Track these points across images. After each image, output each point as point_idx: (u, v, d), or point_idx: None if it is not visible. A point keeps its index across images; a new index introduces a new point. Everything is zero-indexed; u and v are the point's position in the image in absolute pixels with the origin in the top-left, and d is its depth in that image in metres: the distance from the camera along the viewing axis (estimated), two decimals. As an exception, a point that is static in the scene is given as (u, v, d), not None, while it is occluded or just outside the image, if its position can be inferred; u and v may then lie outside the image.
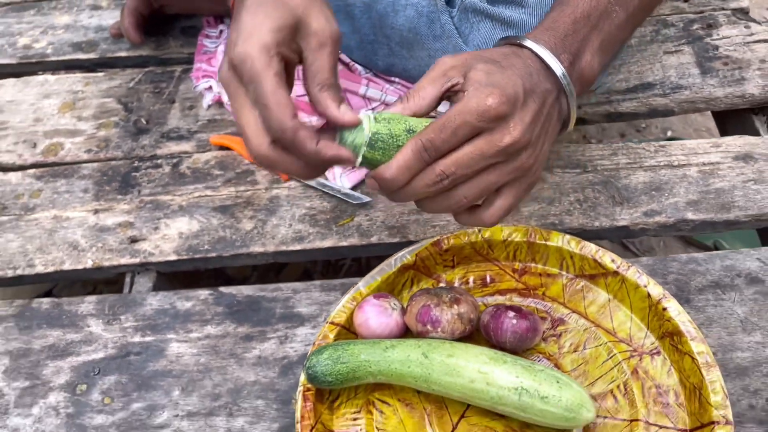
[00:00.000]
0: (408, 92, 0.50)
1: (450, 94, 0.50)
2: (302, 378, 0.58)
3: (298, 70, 0.51)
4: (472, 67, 0.48)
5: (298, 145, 0.46)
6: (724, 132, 0.81)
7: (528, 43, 0.51)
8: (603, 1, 0.53)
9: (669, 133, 1.36)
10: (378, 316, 0.60)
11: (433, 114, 0.51)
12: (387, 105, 0.76)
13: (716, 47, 0.80)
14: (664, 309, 0.58)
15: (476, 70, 0.48)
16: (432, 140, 0.47)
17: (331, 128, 0.49)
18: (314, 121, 0.68)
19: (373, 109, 0.77)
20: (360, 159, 0.49)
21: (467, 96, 0.47)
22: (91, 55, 0.97)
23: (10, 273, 0.74)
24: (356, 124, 0.48)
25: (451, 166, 0.47)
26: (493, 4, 0.67)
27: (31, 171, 0.84)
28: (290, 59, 0.49)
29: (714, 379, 0.53)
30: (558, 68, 0.50)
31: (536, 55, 0.51)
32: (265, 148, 0.47)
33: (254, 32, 0.46)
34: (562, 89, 0.52)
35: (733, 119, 0.79)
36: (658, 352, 0.58)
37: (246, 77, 0.46)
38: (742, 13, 0.83)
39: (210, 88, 0.87)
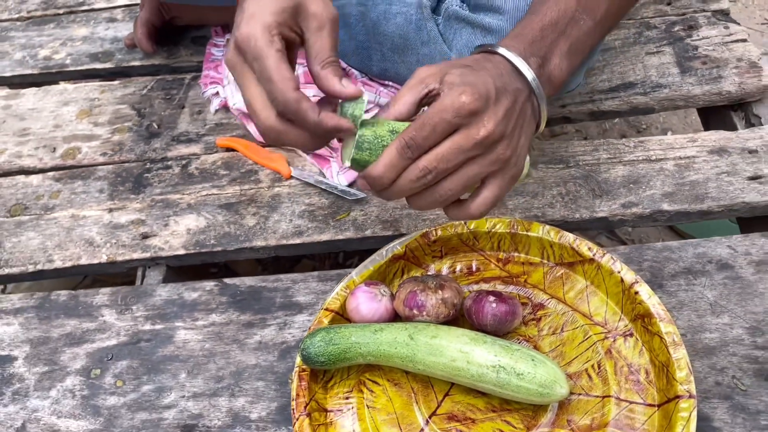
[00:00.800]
0: (389, 101, 0.54)
1: (429, 100, 0.53)
2: (298, 360, 0.62)
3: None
4: (447, 72, 0.52)
5: (301, 115, 0.50)
6: (707, 128, 0.84)
7: (499, 49, 0.55)
8: (570, 9, 0.57)
9: (669, 134, 1.39)
10: (368, 301, 0.64)
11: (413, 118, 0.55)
12: (380, 106, 0.81)
13: (696, 47, 0.84)
14: (636, 293, 0.61)
15: (450, 74, 0.52)
16: (413, 137, 0.50)
17: (330, 101, 0.53)
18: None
19: (367, 111, 0.82)
20: (358, 130, 0.52)
21: (442, 95, 0.50)
22: (107, 65, 1.03)
23: (30, 268, 0.80)
24: (358, 96, 0.52)
25: (433, 161, 0.51)
26: (474, 11, 0.71)
27: (51, 173, 0.90)
28: (292, 39, 0.52)
29: (680, 356, 0.57)
30: (526, 70, 0.54)
31: (506, 59, 0.55)
32: (272, 121, 0.51)
33: (256, 14, 0.50)
34: (533, 90, 0.56)
35: (714, 115, 0.83)
36: (631, 334, 0.62)
37: (250, 55, 0.49)
38: (722, 14, 0.86)
39: (217, 93, 0.92)
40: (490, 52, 0.56)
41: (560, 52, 0.57)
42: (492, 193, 0.54)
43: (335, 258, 1.14)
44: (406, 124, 0.53)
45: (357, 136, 0.52)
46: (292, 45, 0.53)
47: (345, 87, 0.51)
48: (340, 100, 0.53)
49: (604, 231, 1.06)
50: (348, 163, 0.54)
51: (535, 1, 0.59)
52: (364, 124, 0.53)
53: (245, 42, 0.49)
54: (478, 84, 0.50)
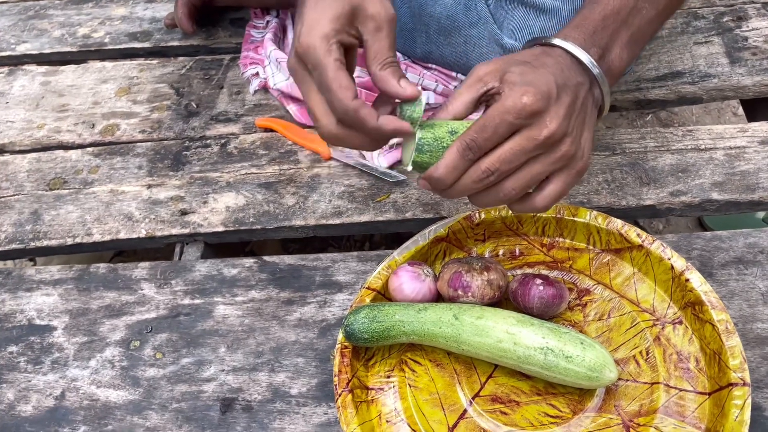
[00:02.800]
0: (447, 99, 0.54)
1: (488, 98, 0.53)
2: (340, 336, 0.62)
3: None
4: (507, 70, 0.52)
5: (360, 122, 0.50)
6: (752, 120, 0.83)
7: (557, 41, 0.54)
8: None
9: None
10: (412, 281, 0.63)
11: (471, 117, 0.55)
12: (424, 89, 0.80)
13: (745, 38, 0.82)
14: (687, 280, 0.60)
15: (510, 73, 0.51)
16: (475, 140, 0.50)
17: (387, 101, 0.53)
18: None
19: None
20: (417, 133, 0.53)
21: (503, 96, 0.50)
22: (146, 44, 1.03)
23: (69, 241, 0.80)
24: (416, 97, 0.52)
25: (495, 162, 0.51)
26: (527, -10, 0.71)
27: (90, 149, 0.90)
28: (351, 44, 0.53)
29: (733, 344, 0.56)
30: (587, 59, 0.53)
31: (566, 51, 0.54)
32: (333, 127, 0.52)
33: (315, 24, 0.50)
34: (595, 79, 0.55)
35: (761, 107, 0.81)
36: (680, 322, 0.61)
37: (311, 65, 0.51)
38: (773, 6, 0.85)
39: (257, 74, 0.92)
40: (549, 45, 0.55)
41: (621, 42, 0.56)
42: (558, 188, 0.54)
43: (360, 248, 1.14)
44: (466, 123, 0.53)
45: (417, 138, 0.53)
46: (352, 48, 0.54)
47: (404, 88, 0.52)
48: (398, 101, 0.53)
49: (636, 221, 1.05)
50: (410, 167, 0.54)
51: None
52: (423, 126, 0.53)
53: (305, 52, 0.50)
54: (540, 83, 0.50)
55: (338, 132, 0.52)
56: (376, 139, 0.53)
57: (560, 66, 0.53)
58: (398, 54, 0.83)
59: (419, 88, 0.54)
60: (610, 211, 0.71)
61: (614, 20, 0.56)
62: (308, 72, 0.51)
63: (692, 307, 0.60)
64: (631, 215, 0.71)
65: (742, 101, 0.85)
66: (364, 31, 0.52)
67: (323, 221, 0.77)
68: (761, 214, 1.09)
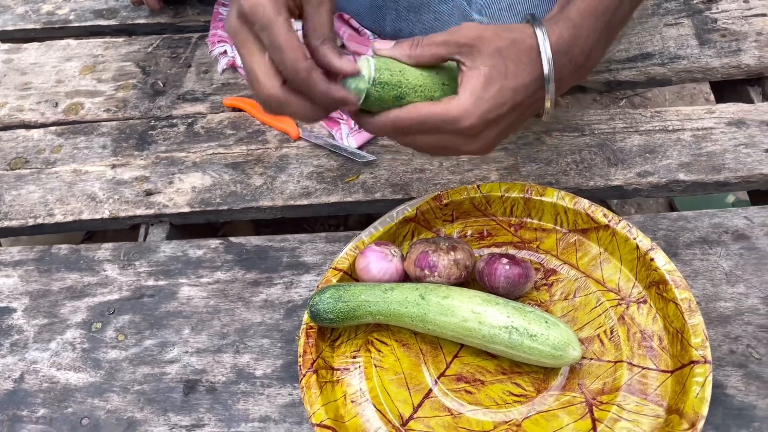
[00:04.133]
0: (418, 39, 0.53)
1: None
2: (305, 317, 0.61)
3: None
4: (482, 59, 0.51)
5: (311, 84, 0.49)
6: (720, 102, 0.83)
7: (540, 35, 0.52)
8: None
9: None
10: (379, 261, 0.63)
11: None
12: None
13: (715, 20, 0.82)
14: (652, 260, 0.60)
15: (480, 71, 0.51)
16: (410, 127, 0.53)
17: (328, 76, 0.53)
18: None
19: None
20: (362, 101, 0.53)
21: (455, 103, 0.51)
22: (112, 22, 1.01)
23: (30, 222, 0.78)
24: (357, 73, 0.52)
25: (417, 145, 0.56)
26: (496, -34, 0.70)
27: (53, 128, 0.88)
28: (292, 12, 0.51)
29: (696, 323, 0.56)
30: (547, 72, 0.52)
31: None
32: (276, 90, 0.50)
33: None
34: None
35: (729, 90, 0.82)
36: (645, 301, 0.61)
37: (258, 24, 0.49)
38: (742, -11, 0.85)
39: (225, 52, 0.90)
40: (534, 31, 0.53)
41: (601, 45, 0.55)
42: (428, 145, 0.55)
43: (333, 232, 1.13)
44: (415, 87, 0.54)
45: (372, 78, 0.52)
46: (292, 15, 0.52)
47: (345, 63, 0.51)
48: (340, 76, 0.53)
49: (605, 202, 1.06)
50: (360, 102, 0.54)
51: None
52: (378, 68, 0.53)
53: (252, 10, 0.48)
54: (492, 108, 0.52)
55: (281, 96, 0.50)
56: (320, 107, 0.52)
57: (533, 77, 0.52)
58: (368, 32, 0.82)
59: (368, 57, 0.53)
60: (578, 191, 0.71)
61: (601, 18, 0.54)
62: (252, 33, 0.49)
63: (656, 286, 0.60)
64: (598, 196, 0.71)
65: (711, 83, 0.85)
66: (306, 3, 0.51)
67: (291, 202, 0.75)
68: (731, 198, 1.10)
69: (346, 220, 1.20)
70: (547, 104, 0.53)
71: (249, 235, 0.74)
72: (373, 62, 0.53)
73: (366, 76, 0.52)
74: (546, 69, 0.52)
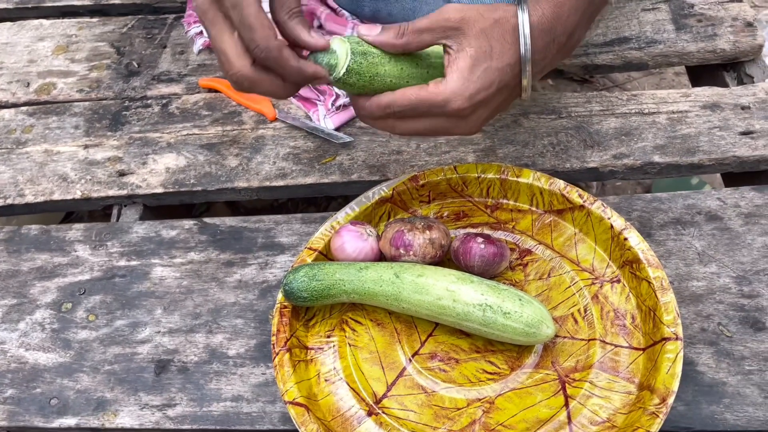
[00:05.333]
0: (404, 27, 0.53)
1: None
2: (279, 296, 0.60)
3: None
4: (467, 41, 0.51)
5: (282, 62, 0.49)
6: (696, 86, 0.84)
7: (521, 18, 0.52)
8: None
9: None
10: (354, 240, 0.62)
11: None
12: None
13: (691, 5, 0.83)
14: (626, 239, 0.61)
15: (466, 53, 0.51)
16: (401, 112, 0.53)
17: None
18: None
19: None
20: (333, 77, 0.52)
21: (443, 86, 0.52)
22: (86, 2, 0.99)
23: (0, 202, 0.77)
24: (327, 48, 0.52)
25: (406, 130, 0.55)
26: (473, -55, 0.69)
27: (24, 108, 0.86)
28: None
29: (668, 300, 0.56)
30: (525, 58, 0.52)
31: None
32: (247, 69, 0.50)
33: None
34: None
35: (705, 75, 0.82)
36: (618, 280, 0.61)
37: (228, 3, 0.48)
38: (719, -25, 0.86)
39: (201, 33, 0.89)
40: (515, 12, 0.53)
41: (583, 24, 0.55)
42: (420, 128, 0.55)
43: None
44: (393, 72, 0.54)
45: (348, 58, 0.52)
46: None
47: (315, 39, 0.51)
48: (307, 52, 0.53)
49: (583, 184, 1.06)
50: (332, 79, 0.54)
51: None
52: (354, 52, 0.52)
53: None
54: (480, 89, 0.52)
55: (252, 74, 0.50)
56: (292, 83, 0.52)
57: (513, 51, 0.52)
58: (346, 12, 0.81)
59: (328, 38, 0.53)
60: (555, 173, 0.71)
61: (583, 1, 0.54)
62: (222, 11, 0.49)
63: (630, 265, 0.60)
64: (575, 178, 0.71)
65: (687, 68, 0.86)
66: None
67: (267, 183, 0.75)
68: (708, 188, 1.11)
69: (327, 206, 1.19)
70: (524, 82, 0.53)
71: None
72: (349, 48, 0.52)
73: (335, 50, 0.52)
74: (522, 49, 0.51)
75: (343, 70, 0.52)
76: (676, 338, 0.54)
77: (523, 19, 0.52)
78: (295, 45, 0.52)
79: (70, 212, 1.12)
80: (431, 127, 0.54)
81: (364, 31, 0.53)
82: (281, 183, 0.75)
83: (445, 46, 0.52)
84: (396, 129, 0.55)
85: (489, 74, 0.51)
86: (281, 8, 0.51)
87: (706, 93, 0.75)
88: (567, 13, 0.53)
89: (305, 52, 0.53)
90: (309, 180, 0.75)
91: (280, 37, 0.50)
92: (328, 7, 0.82)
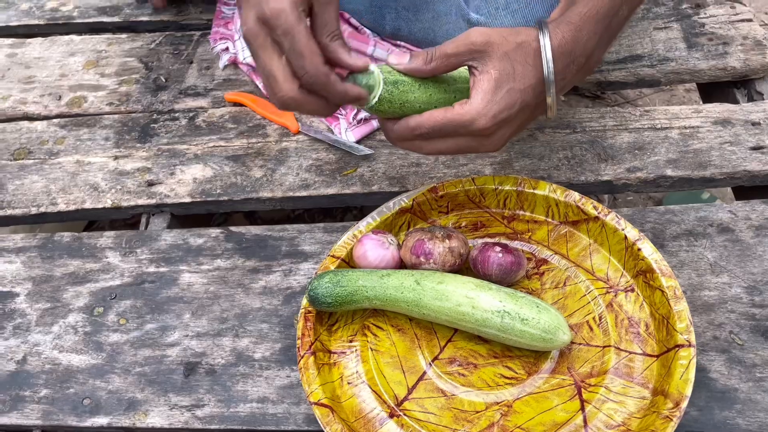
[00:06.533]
0: (431, 53, 0.56)
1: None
2: (304, 301, 0.63)
3: None
4: (492, 63, 0.54)
5: (329, 87, 0.53)
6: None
7: (543, 40, 0.54)
8: (617, 1, 0.57)
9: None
10: (376, 248, 0.65)
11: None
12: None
13: (702, 24, 0.85)
14: (639, 249, 0.63)
15: (490, 74, 0.54)
16: (428, 133, 0.56)
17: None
18: None
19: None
20: (366, 105, 0.56)
21: (468, 106, 0.54)
22: (115, 19, 1.03)
23: (33, 210, 0.80)
24: (366, 69, 0.56)
25: (436, 149, 0.58)
26: (493, -33, 0.72)
27: (56, 120, 0.89)
28: (306, 14, 0.54)
29: (681, 309, 0.58)
30: (549, 80, 0.55)
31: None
32: (294, 92, 0.53)
33: None
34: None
35: (716, 92, 0.84)
36: (632, 289, 0.63)
37: (280, 30, 0.51)
38: (729, -5, 0.88)
39: (226, 49, 0.92)
40: (538, 34, 0.55)
41: (601, 46, 0.58)
42: (447, 148, 0.58)
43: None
44: (422, 98, 0.57)
45: (381, 86, 0.55)
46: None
47: (355, 60, 0.55)
48: (348, 72, 0.56)
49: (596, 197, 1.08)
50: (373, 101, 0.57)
51: None
52: (387, 82, 0.56)
53: (275, 17, 0.51)
54: (503, 109, 0.55)
55: (299, 97, 0.54)
56: (335, 104, 0.56)
57: (535, 74, 0.55)
58: (368, 30, 0.84)
59: (367, 59, 0.56)
60: (570, 186, 0.73)
61: (602, 23, 0.57)
62: (271, 37, 0.52)
63: (644, 274, 0.62)
64: (589, 190, 0.73)
65: (698, 85, 0.88)
66: (314, 2, 0.54)
67: (290, 193, 0.77)
68: (706, 195, 1.12)
69: (342, 217, 1.22)
70: (549, 101, 0.56)
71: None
72: (381, 78, 0.56)
73: (373, 71, 0.55)
74: (545, 71, 0.54)
75: (376, 99, 0.56)
76: (689, 345, 0.56)
77: (545, 43, 0.54)
78: (335, 65, 0.55)
79: (91, 221, 1.15)
80: (457, 146, 0.57)
81: (394, 60, 0.57)
82: (304, 193, 0.77)
83: (470, 67, 0.55)
84: (423, 149, 0.58)
85: (512, 95, 0.54)
86: (323, 30, 0.54)
87: (717, 109, 0.77)
88: (586, 36, 0.56)
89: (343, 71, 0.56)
90: (331, 191, 0.77)
91: (326, 64, 0.53)
92: (351, 25, 0.86)
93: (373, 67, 0.56)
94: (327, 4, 0.54)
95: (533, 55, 0.55)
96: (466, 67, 0.56)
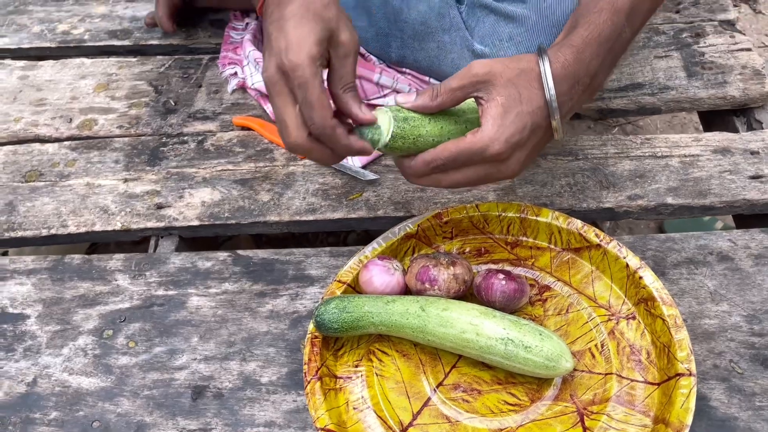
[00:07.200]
0: (437, 89, 0.58)
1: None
2: (311, 326, 0.64)
3: None
4: (497, 91, 0.56)
5: (335, 139, 0.56)
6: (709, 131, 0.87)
7: (544, 72, 0.56)
8: (619, 23, 0.59)
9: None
10: (381, 274, 0.66)
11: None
12: (398, 92, 0.83)
13: (702, 53, 0.87)
14: (641, 278, 0.64)
15: (497, 101, 0.55)
16: (444, 165, 0.57)
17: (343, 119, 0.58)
18: None
19: (385, 95, 0.84)
20: (381, 143, 0.58)
21: (480, 134, 0.56)
22: (125, 42, 1.04)
23: (44, 232, 0.81)
24: (373, 122, 0.58)
25: (454, 181, 0.59)
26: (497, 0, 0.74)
27: (67, 143, 0.91)
28: (323, 66, 0.57)
29: (682, 337, 0.59)
30: (553, 106, 0.56)
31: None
32: (303, 140, 0.56)
33: (302, 44, 0.54)
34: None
35: (716, 120, 0.86)
36: (634, 317, 0.64)
37: (297, 83, 0.54)
38: (728, 24, 0.90)
39: (235, 74, 0.94)
40: (538, 61, 0.57)
41: (605, 67, 0.60)
42: (464, 178, 0.59)
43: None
44: (434, 131, 0.58)
45: (389, 133, 0.57)
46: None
47: (364, 113, 0.57)
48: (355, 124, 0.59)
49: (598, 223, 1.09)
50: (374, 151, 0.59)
51: (587, 7, 0.60)
52: (397, 118, 0.58)
53: (293, 69, 0.54)
54: (515, 132, 0.56)
55: (307, 145, 0.56)
56: (339, 155, 0.58)
57: (541, 95, 0.56)
58: (374, 57, 0.86)
59: (386, 108, 0.59)
60: (572, 212, 0.74)
61: (604, 46, 0.59)
62: (288, 87, 0.55)
63: (645, 303, 0.63)
64: (591, 217, 0.75)
65: (699, 113, 0.90)
66: (333, 54, 0.56)
67: (297, 217, 0.79)
68: (719, 224, 1.13)
69: (345, 237, 1.23)
70: (554, 124, 0.57)
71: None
72: (392, 114, 0.57)
73: (383, 128, 0.58)
74: (547, 95, 0.56)
75: (389, 136, 0.57)
76: (690, 374, 0.57)
77: (545, 69, 0.56)
78: (345, 115, 0.58)
79: (93, 242, 1.16)
80: (474, 176, 0.58)
81: (401, 99, 0.59)
82: (311, 217, 0.79)
83: (477, 98, 0.57)
84: (442, 182, 0.59)
85: (521, 118, 0.55)
86: (338, 82, 0.56)
87: (717, 138, 0.78)
88: (589, 57, 0.58)
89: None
90: (337, 215, 0.78)
91: (335, 118, 0.56)
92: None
93: (380, 113, 0.58)
94: (344, 58, 0.57)
95: (537, 79, 0.56)
96: (473, 99, 0.58)
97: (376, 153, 0.83)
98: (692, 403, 0.55)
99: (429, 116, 0.59)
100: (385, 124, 0.58)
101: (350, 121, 0.59)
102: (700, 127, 1.43)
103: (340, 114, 0.58)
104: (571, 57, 0.57)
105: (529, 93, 0.56)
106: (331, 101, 0.57)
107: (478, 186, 0.67)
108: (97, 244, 1.16)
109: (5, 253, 1.14)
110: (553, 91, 0.56)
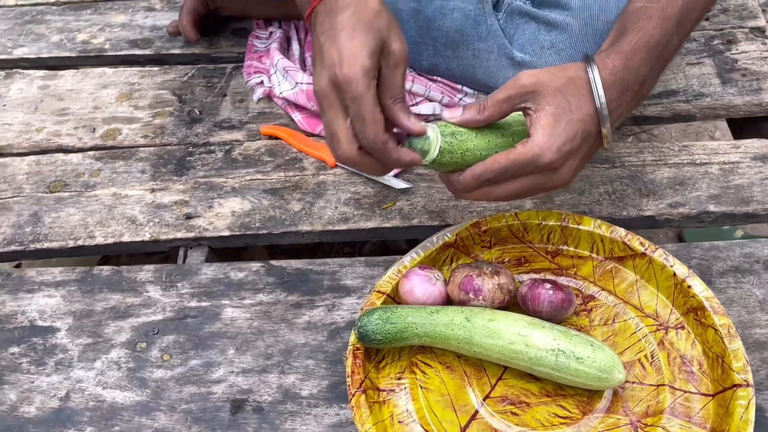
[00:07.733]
0: (483, 102, 0.57)
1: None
2: (352, 338, 0.62)
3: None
4: (545, 101, 0.55)
5: (385, 153, 0.55)
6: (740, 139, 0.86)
7: (593, 75, 0.55)
8: (668, 30, 0.58)
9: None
10: (423, 284, 0.65)
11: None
12: (430, 100, 0.82)
13: (735, 60, 0.86)
14: (689, 287, 0.63)
15: (546, 111, 0.55)
16: (496, 177, 0.56)
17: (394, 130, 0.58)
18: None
19: (417, 103, 0.83)
20: (428, 158, 0.57)
21: (531, 143, 0.55)
22: (147, 51, 1.03)
23: (71, 243, 0.80)
24: (423, 134, 0.57)
25: (505, 193, 0.58)
26: (538, 7, 0.73)
27: (91, 153, 0.90)
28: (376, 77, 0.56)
29: (736, 347, 0.58)
30: (604, 114, 0.56)
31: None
32: (353, 153, 0.56)
33: (355, 57, 0.53)
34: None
35: (747, 126, 0.85)
36: (683, 327, 0.63)
37: (349, 96, 0.53)
38: (759, 31, 0.89)
39: (261, 83, 0.93)
40: (586, 69, 0.56)
41: (654, 74, 0.59)
42: (516, 189, 0.58)
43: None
44: (481, 146, 0.58)
45: (437, 149, 0.57)
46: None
47: (414, 125, 0.57)
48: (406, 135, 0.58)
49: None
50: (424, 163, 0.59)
51: (635, 14, 0.59)
52: (443, 133, 0.57)
53: (346, 83, 0.53)
54: (566, 141, 0.55)
55: (357, 158, 0.56)
56: (389, 167, 0.58)
57: (590, 103, 0.55)
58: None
59: (433, 125, 0.58)
60: (611, 221, 0.73)
61: (653, 53, 0.58)
62: (340, 100, 0.54)
63: (694, 312, 0.62)
64: (631, 225, 0.73)
65: (728, 120, 0.89)
66: (384, 64, 0.56)
67: (330, 227, 0.77)
68: (739, 233, 1.12)
69: (361, 247, 1.22)
70: (604, 131, 0.56)
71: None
72: (438, 129, 0.57)
73: (431, 139, 0.57)
74: (597, 102, 0.55)
75: (436, 151, 0.57)
76: (747, 385, 0.56)
77: (594, 76, 0.55)
78: (395, 126, 0.57)
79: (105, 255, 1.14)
80: (526, 186, 0.57)
81: (447, 114, 0.58)
82: (344, 227, 0.77)
83: (524, 109, 0.56)
84: (492, 195, 0.58)
85: (572, 126, 0.54)
86: (387, 93, 0.56)
87: (755, 145, 0.78)
88: (638, 64, 0.57)
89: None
90: (371, 224, 0.77)
91: (386, 132, 0.55)
92: (388, 60, 0.86)
93: (429, 128, 0.57)
94: (395, 68, 0.56)
95: (585, 86, 0.56)
96: (519, 112, 0.57)
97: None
98: (752, 415, 0.54)
99: (476, 130, 0.58)
100: (434, 140, 0.57)
101: (396, 130, 0.58)
102: (716, 135, 1.43)
103: (389, 124, 0.57)
104: (620, 63, 0.57)
105: (578, 101, 0.55)
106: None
107: (531, 196, 0.65)
108: (109, 256, 1.14)
109: (18, 266, 1.12)
110: (603, 99, 0.55)
